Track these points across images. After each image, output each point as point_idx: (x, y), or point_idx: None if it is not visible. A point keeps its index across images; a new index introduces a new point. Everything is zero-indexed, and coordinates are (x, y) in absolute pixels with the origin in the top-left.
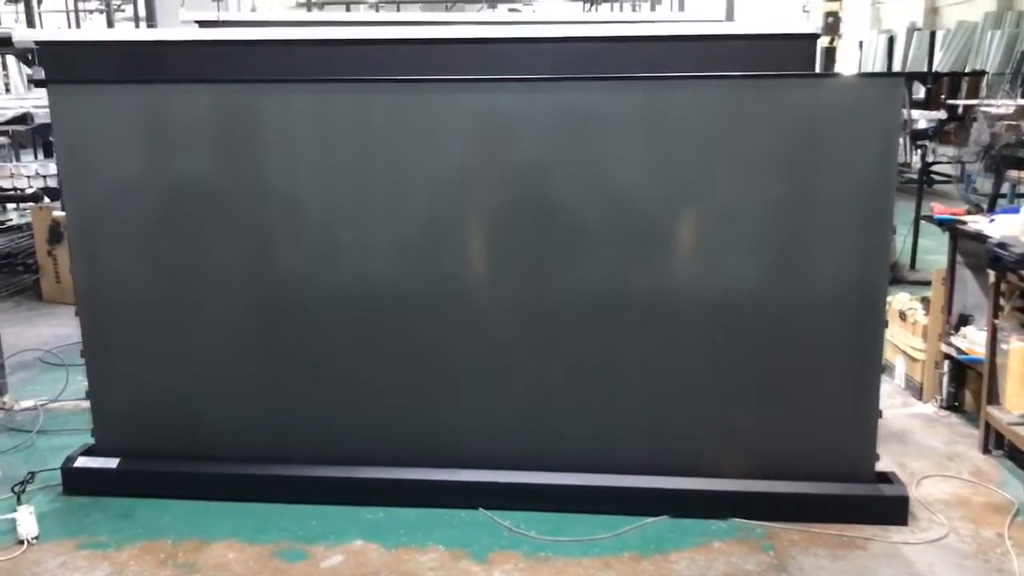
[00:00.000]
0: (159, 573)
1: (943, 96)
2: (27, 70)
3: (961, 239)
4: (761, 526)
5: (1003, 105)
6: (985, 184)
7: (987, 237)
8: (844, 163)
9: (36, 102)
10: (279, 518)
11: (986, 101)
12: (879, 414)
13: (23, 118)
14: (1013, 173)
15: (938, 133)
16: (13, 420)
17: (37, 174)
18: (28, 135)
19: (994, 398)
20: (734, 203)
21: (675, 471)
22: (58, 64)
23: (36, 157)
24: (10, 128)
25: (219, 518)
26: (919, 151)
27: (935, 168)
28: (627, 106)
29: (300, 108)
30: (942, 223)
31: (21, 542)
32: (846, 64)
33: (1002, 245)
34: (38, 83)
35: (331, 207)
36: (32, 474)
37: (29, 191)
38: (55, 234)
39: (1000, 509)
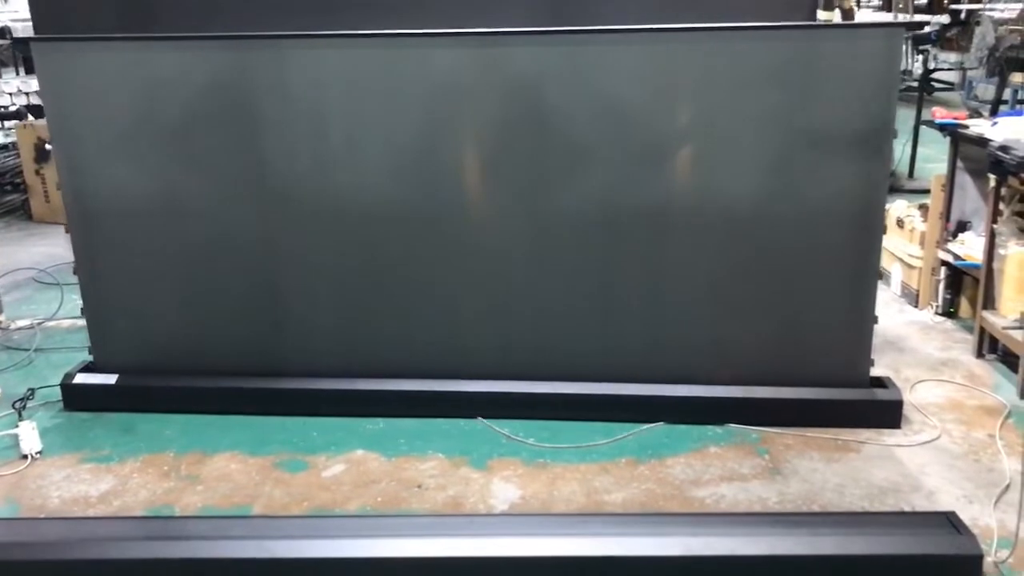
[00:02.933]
0: (163, 485)
1: (946, 0)
2: None
3: (962, 144)
4: (757, 431)
5: (1007, 9)
6: (987, 90)
7: (989, 141)
8: (844, 78)
9: (14, 15)
10: (280, 431)
11: (990, 5)
12: (874, 320)
13: (1, 32)
14: (1017, 78)
15: (940, 38)
16: (10, 339)
17: (19, 91)
18: (8, 51)
19: (990, 303)
20: (732, 114)
21: (672, 379)
22: None
23: (17, 73)
24: None
25: (220, 431)
26: (921, 56)
27: (936, 75)
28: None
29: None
30: (943, 127)
31: (25, 457)
32: None
33: (1004, 148)
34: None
35: (327, 121)
36: (32, 390)
37: (12, 109)
38: (42, 152)
39: (992, 411)
